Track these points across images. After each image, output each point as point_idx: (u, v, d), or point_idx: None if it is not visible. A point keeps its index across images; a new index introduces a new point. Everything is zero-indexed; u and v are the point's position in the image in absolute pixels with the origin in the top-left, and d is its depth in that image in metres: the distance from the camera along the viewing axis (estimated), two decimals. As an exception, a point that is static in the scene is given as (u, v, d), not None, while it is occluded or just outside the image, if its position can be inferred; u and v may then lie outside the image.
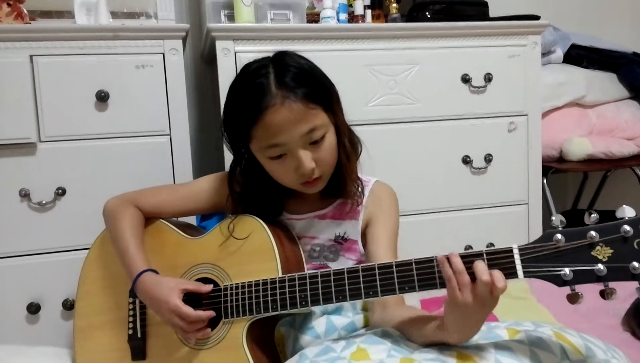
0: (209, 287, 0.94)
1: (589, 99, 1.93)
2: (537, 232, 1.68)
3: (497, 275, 0.72)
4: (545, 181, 1.77)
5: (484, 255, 0.76)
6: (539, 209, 1.68)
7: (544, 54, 1.90)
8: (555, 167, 1.82)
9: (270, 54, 0.95)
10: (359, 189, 1.02)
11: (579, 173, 2.32)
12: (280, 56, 0.94)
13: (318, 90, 0.91)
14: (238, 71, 0.97)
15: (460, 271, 0.74)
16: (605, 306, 0.74)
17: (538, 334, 0.82)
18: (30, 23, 1.40)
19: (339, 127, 0.96)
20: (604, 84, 1.98)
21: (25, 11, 1.37)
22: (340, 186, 1.00)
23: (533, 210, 1.67)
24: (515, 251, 0.75)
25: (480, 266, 0.73)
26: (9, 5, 1.34)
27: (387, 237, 1.00)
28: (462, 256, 0.77)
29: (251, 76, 0.92)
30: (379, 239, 1.00)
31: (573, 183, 2.40)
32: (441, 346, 0.80)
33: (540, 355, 0.77)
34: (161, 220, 1.07)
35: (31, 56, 1.29)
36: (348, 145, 0.98)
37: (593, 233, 0.72)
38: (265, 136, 0.89)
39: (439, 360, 0.77)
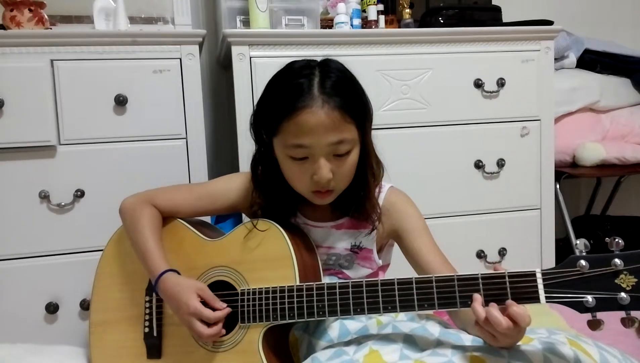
0: (223, 305, 0.93)
1: (602, 104, 1.92)
2: (549, 237, 1.67)
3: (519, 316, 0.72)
4: (558, 186, 1.77)
5: (507, 278, 0.76)
6: (551, 215, 1.67)
7: (557, 59, 1.90)
8: (568, 172, 1.82)
9: (318, 58, 0.94)
10: (377, 211, 1.00)
11: (592, 178, 2.31)
12: (327, 62, 0.93)
13: (357, 105, 0.91)
14: (280, 68, 0.96)
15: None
16: (619, 312, 0.73)
17: (552, 341, 0.81)
18: (51, 28, 1.42)
19: (366, 147, 0.96)
20: (617, 89, 1.97)
21: (46, 16, 1.40)
22: (355, 206, 0.99)
23: (545, 215, 1.66)
24: (539, 276, 0.75)
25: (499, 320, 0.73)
26: (30, 10, 1.36)
27: (428, 243, 0.99)
28: (483, 278, 0.77)
29: (295, 73, 0.91)
30: (425, 248, 0.98)
31: (586, 188, 2.39)
32: (454, 348, 0.81)
33: (554, 361, 0.77)
34: (179, 220, 1.08)
35: (52, 61, 1.32)
36: (375, 166, 0.98)
37: (617, 261, 0.71)
38: (293, 134, 0.88)
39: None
